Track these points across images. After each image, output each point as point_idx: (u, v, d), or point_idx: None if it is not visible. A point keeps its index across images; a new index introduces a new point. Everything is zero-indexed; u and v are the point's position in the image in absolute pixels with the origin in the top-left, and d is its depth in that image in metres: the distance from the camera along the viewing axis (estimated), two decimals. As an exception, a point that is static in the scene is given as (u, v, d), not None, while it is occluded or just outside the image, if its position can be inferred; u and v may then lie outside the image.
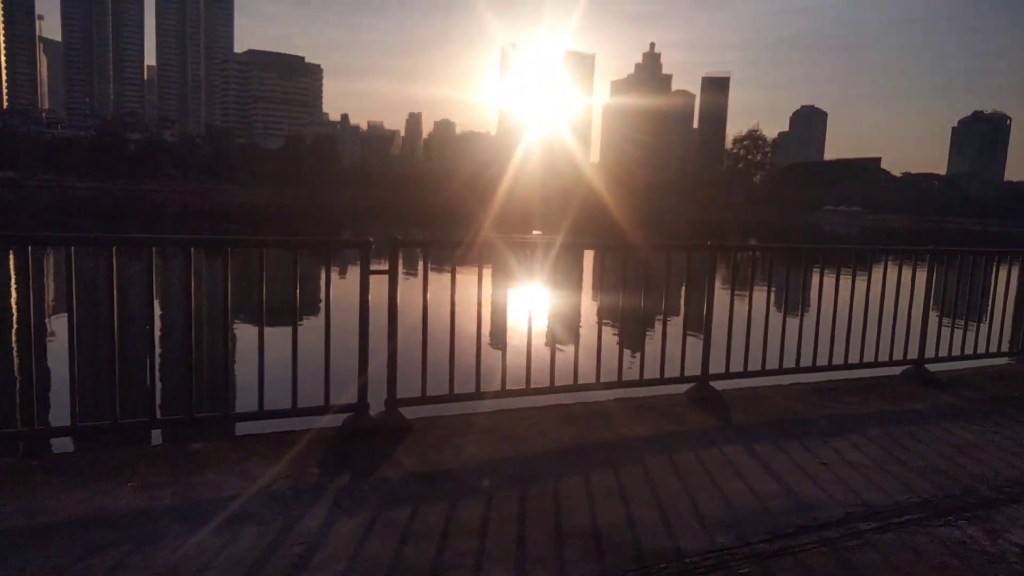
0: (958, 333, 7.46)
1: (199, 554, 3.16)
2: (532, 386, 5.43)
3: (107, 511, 3.53)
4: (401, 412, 4.99)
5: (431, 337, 5.04)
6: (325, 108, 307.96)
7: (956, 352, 7.46)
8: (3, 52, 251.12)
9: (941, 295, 7.55)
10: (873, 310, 6.82)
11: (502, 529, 3.55)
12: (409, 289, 5.04)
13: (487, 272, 5.39)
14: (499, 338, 5.53)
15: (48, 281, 15.86)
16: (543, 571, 3.16)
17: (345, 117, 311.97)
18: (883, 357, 7.03)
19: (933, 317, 7.29)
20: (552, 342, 6.43)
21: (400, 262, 4.93)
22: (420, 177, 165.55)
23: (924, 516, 3.90)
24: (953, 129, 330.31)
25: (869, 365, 6.93)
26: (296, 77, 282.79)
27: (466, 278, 5.22)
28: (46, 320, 11.40)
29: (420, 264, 5.10)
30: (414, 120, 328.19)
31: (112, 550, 3.16)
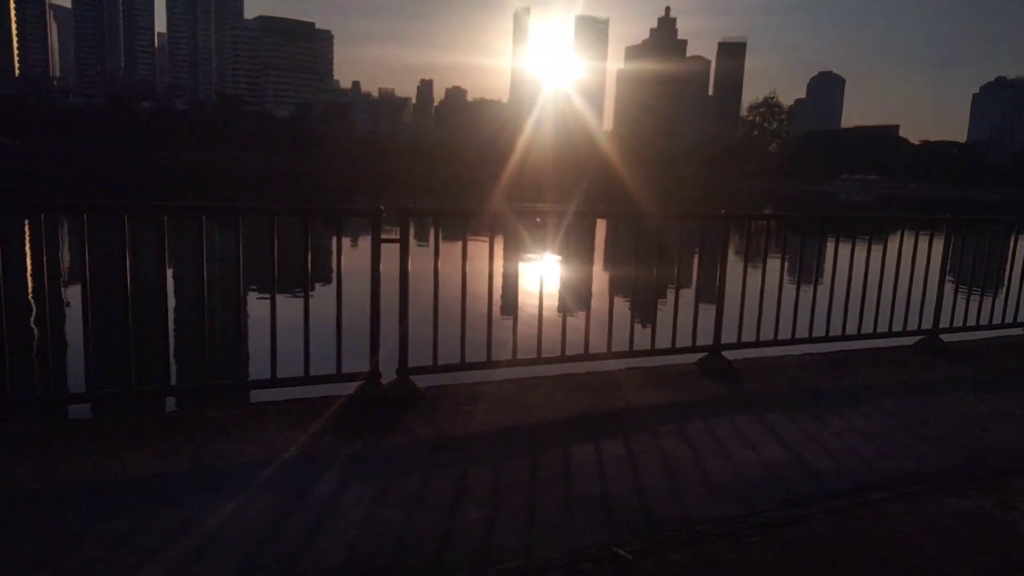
0: (973, 303, 7.39)
1: (214, 519, 3.22)
2: (543, 355, 5.43)
3: (123, 476, 3.59)
4: (412, 380, 5.02)
5: (442, 306, 5.04)
6: (336, 75, 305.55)
7: (971, 323, 7.40)
8: (14, 19, 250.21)
9: (957, 265, 7.46)
10: (887, 280, 6.75)
11: (512, 496, 3.58)
12: (420, 258, 5.04)
13: (499, 241, 5.37)
14: (510, 307, 5.53)
15: (63, 249, 15.98)
16: (553, 538, 3.19)
17: (356, 84, 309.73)
18: (897, 327, 6.97)
19: (948, 287, 7.22)
20: (563, 311, 6.43)
21: (411, 231, 4.92)
22: (432, 145, 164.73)
23: (935, 486, 3.90)
24: (974, 96, 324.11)
25: (883, 335, 6.89)
26: (306, 44, 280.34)
27: (477, 247, 5.21)
28: (61, 288, 11.51)
29: (431, 233, 5.09)
30: (425, 87, 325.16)
31: (128, 514, 3.22)
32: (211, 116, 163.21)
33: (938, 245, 7.12)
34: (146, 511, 3.25)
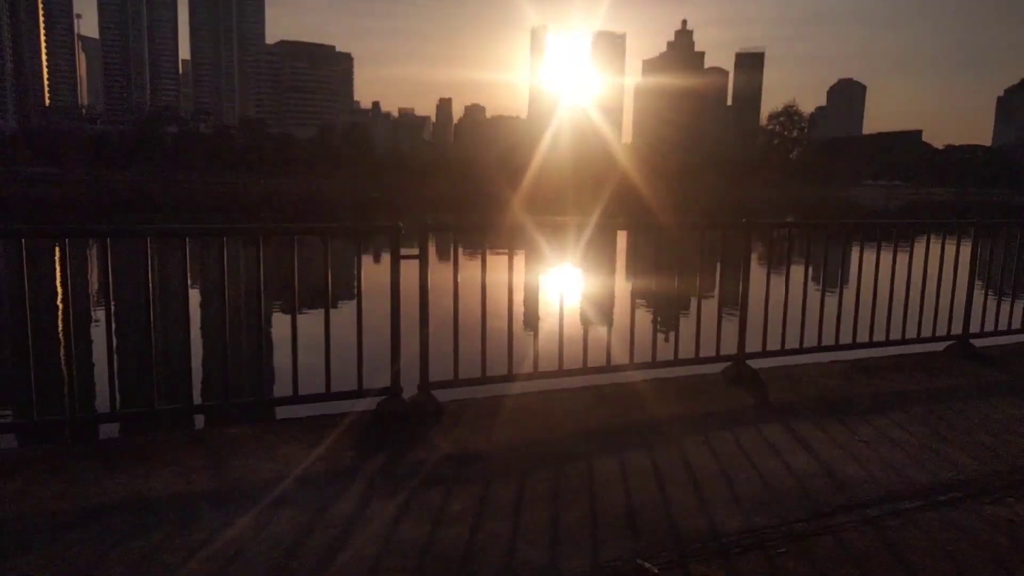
0: (1004, 307, 7.23)
1: (236, 536, 3.22)
2: (564, 368, 5.40)
3: (147, 495, 3.61)
4: (434, 395, 5.00)
5: (463, 320, 5.04)
6: (356, 96, 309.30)
7: (1003, 326, 7.24)
8: (44, 51, 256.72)
9: (986, 269, 7.31)
10: (915, 285, 6.63)
11: (535, 510, 3.54)
12: (440, 273, 5.04)
13: (518, 255, 5.36)
14: (531, 320, 5.52)
15: (92, 273, 16.25)
16: (577, 551, 3.15)
17: (376, 104, 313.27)
18: (926, 333, 6.83)
19: (978, 291, 7.07)
20: (585, 323, 6.39)
21: (431, 246, 4.93)
22: (451, 162, 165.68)
23: (969, 494, 3.80)
24: (999, 99, 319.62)
25: (911, 341, 6.75)
26: (327, 66, 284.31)
27: (497, 261, 5.20)
28: (91, 310, 11.69)
29: (451, 248, 5.10)
30: (444, 105, 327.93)
31: (152, 533, 3.23)
32: (234, 139, 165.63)
33: (965, 249, 6.98)
34: (169, 529, 3.26)
